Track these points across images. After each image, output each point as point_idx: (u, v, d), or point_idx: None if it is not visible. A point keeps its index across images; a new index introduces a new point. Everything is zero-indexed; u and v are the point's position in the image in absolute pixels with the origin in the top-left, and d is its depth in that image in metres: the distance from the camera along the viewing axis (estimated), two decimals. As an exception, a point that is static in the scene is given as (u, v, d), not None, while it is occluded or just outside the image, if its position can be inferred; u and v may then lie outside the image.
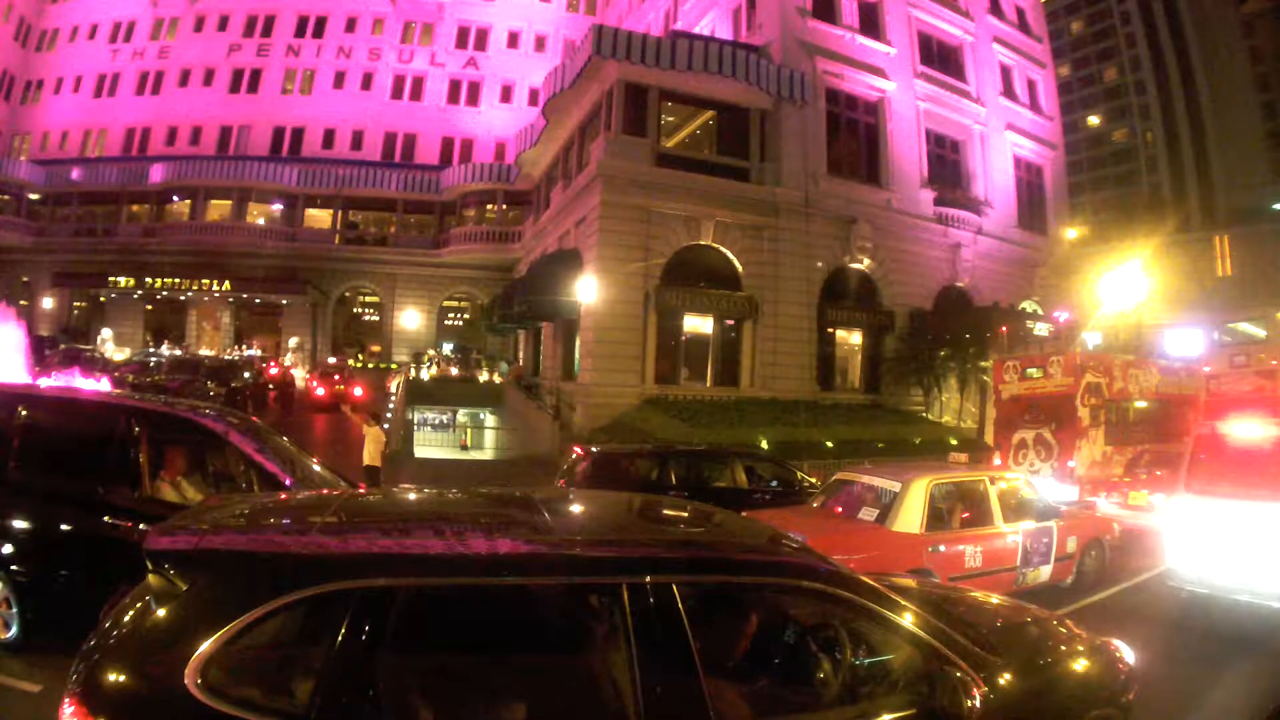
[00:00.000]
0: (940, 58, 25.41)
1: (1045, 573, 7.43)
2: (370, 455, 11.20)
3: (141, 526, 4.63)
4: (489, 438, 25.46)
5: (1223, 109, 52.21)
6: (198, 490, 5.41)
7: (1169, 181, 56.00)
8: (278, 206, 35.16)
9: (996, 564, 6.97)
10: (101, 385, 7.78)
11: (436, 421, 26.22)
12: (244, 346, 33.24)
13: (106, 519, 4.96)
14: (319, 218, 35.65)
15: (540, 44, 39.53)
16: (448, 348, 34.35)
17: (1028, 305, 26.08)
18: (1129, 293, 25.96)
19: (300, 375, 29.72)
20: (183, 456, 5.58)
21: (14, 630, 4.87)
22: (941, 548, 6.62)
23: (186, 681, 2.04)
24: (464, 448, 24.94)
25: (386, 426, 19.08)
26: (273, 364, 29.11)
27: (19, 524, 4.96)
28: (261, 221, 35.05)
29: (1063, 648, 3.35)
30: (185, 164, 34.27)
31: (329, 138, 37.42)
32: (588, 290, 19.10)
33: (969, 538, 6.88)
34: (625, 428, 17.59)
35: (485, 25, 39.29)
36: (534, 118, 27.40)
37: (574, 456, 10.69)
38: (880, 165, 23.26)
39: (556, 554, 2.51)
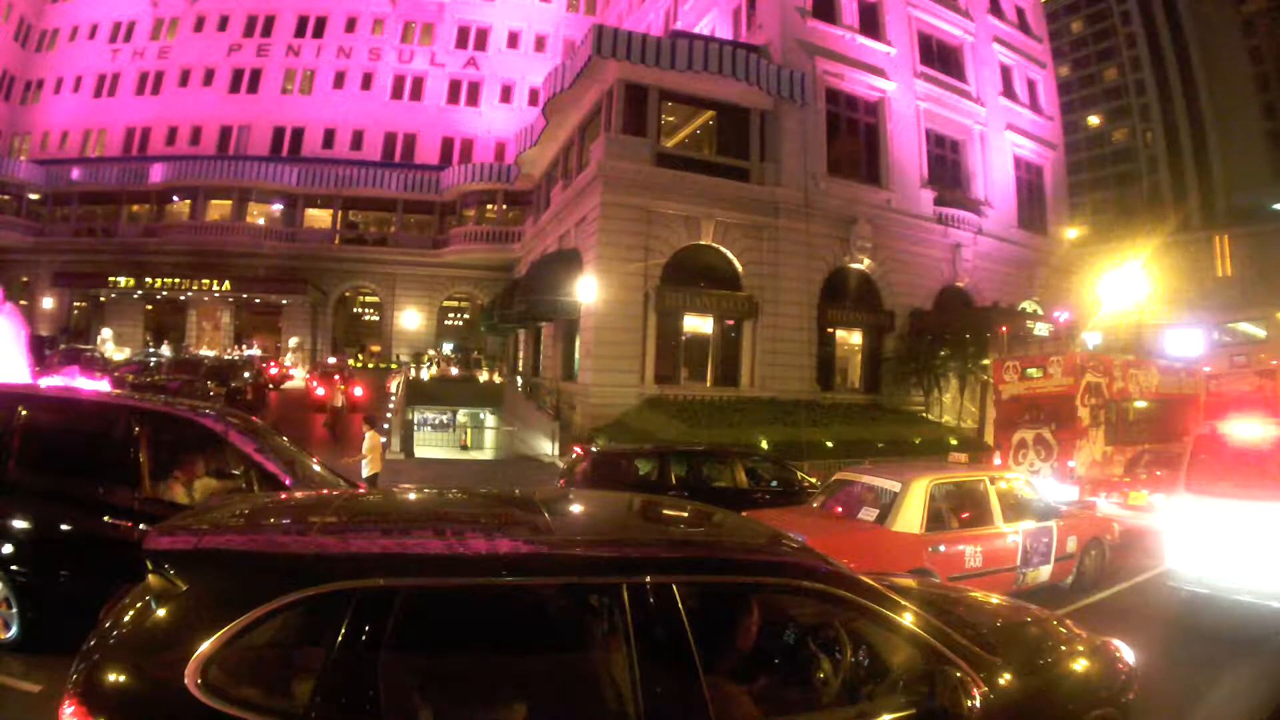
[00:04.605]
0: (940, 58, 25.42)
1: (1045, 573, 7.42)
2: (371, 464, 10.98)
3: (141, 526, 4.63)
4: (489, 438, 25.48)
5: (1223, 109, 52.17)
6: (197, 490, 5.41)
7: (1169, 181, 55.96)
8: (278, 206, 35.15)
9: (996, 564, 6.96)
10: (101, 385, 7.77)
11: (436, 421, 26.25)
12: (244, 346, 33.23)
13: (106, 519, 4.96)
14: (319, 218, 35.65)
15: (540, 44, 39.52)
16: (448, 348, 34.36)
17: (1028, 305, 26.09)
18: (1129, 292, 25.99)
19: (300, 374, 29.74)
20: (182, 456, 5.57)
21: (14, 630, 4.88)
22: (941, 548, 6.61)
23: (186, 681, 2.04)
24: (464, 448, 24.96)
25: (386, 427, 19.11)
26: (272, 364, 29.14)
27: (19, 524, 4.96)
28: (261, 221, 35.04)
29: (1063, 648, 3.35)
30: (185, 164, 34.26)
31: (329, 138, 37.41)
32: (588, 290, 19.10)
33: (969, 538, 6.87)
34: (625, 428, 17.60)
35: (485, 25, 39.29)
36: (534, 118, 27.40)
37: (574, 456, 10.71)
38: (880, 165, 23.27)
39: (556, 554, 2.51)
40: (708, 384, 20.94)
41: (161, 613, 2.20)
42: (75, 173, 34.97)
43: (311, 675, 2.13)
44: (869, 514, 6.92)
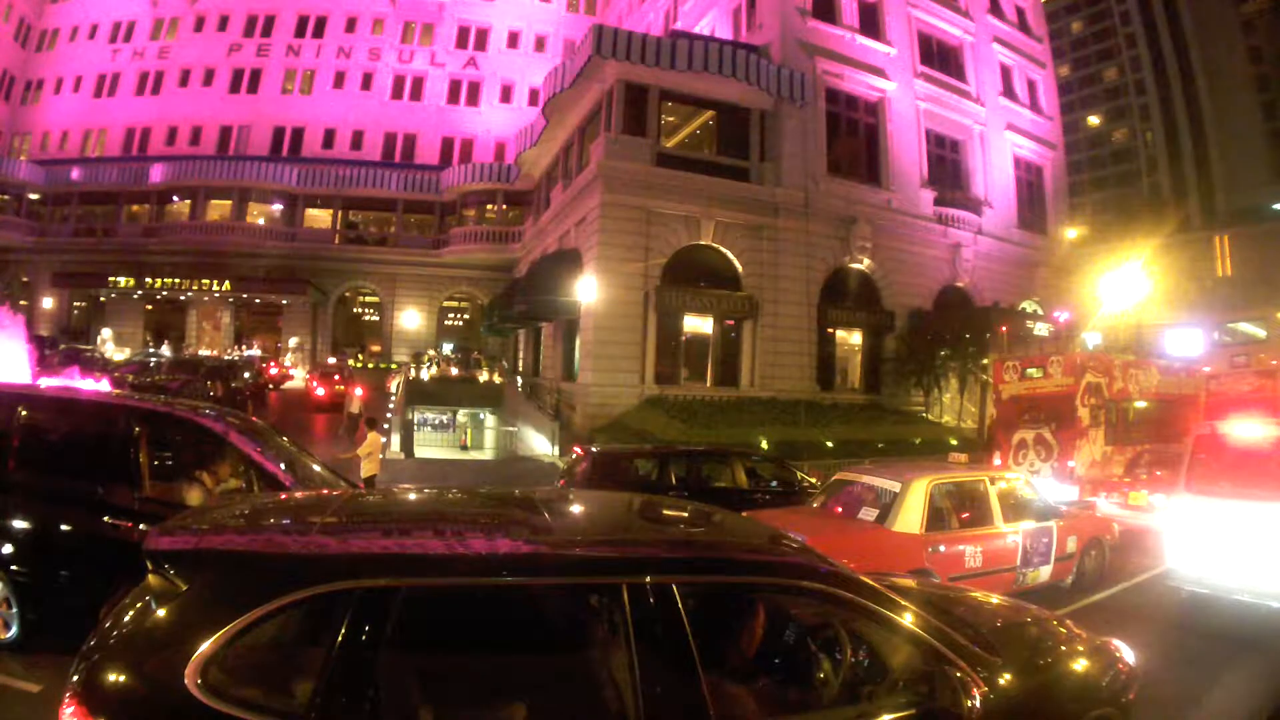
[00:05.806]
0: (940, 58, 25.42)
1: (1045, 573, 7.42)
2: (370, 465, 10.94)
3: (141, 526, 4.63)
4: (489, 438, 25.47)
5: (1223, 109, 52.18)
6: (198, 490, 5.41)
7: (1169, 181, 55.99)
8: (278, 206, 35.14)
9: (996, 564, 6.96)
10: (101, 385, 7.77)
11: (436, 421, 26.22)
12: (244, 346, 33.23)
13: (106, 519, 4.96)
14: (319, 218, 35.64)
15: (540, 44, 39.53)
16: (448, 348, 34.33)
17: (1028, 305, 26.10)
18: (1129, 292, 25.98)
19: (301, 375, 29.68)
20: (183, 456, 5.57)
21: (14, 630, 4.87)
22: (941, 548, 6.61)
23: (186, 681, 2.04)
24: (464, 447, 24.95)
25: (386, 427, 19.10)
26: (272, 364, 29.13)
27: (19, 524, 4.96)
28: (261, 221, 35.03)
29: (1063, 648, 3.35)
30: (185, 164, 34.24)
31: (329, 138, 37.41)
32: (588, 290, 19.10)
33: (969, 538, 6.87)
34: (625, 428, 17.60)
35: (485, 25, 39.29)
36: (534, 118, 27.40)
37: (574, 456, 10.69)
38: (880, 165, 23.27)
39: (556, 554, 2.51)
40: (708, 384, 20.94)
41: (161, 613, 2.20)
42: (75, 173, 34.94)
43: (311, 675, 2.13)
44: (869, 514, 6.91)
